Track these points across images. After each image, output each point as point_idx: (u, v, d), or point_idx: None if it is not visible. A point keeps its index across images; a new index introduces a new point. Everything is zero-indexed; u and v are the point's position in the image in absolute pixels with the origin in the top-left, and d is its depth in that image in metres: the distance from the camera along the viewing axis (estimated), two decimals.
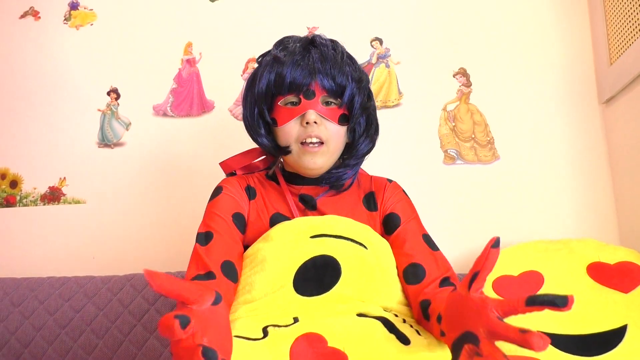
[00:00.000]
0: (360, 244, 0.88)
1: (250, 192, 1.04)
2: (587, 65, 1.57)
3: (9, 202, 1.80)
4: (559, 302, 0.53)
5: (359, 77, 1.01)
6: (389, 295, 0.87)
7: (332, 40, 1.03)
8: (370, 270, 0.86)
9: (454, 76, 1.63)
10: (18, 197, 1.80)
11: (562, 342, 1.08)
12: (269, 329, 0.73)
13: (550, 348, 1.07)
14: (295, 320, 0.75)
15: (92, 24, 1.88)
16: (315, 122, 0.96)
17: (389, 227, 1.01)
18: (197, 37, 1.80)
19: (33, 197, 1.79)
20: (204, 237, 0.92)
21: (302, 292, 0.79)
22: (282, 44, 1.03)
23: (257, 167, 1.15)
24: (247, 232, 0.99)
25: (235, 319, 0.78)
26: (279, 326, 0.74)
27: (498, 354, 0.57)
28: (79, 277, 1.55)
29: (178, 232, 1.66)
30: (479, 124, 1.59)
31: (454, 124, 1.60)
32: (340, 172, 1.02)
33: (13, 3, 1.94)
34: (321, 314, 0.77)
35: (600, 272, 1.19)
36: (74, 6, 1.90)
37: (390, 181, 1.10)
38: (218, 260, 0.87)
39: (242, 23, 1.78)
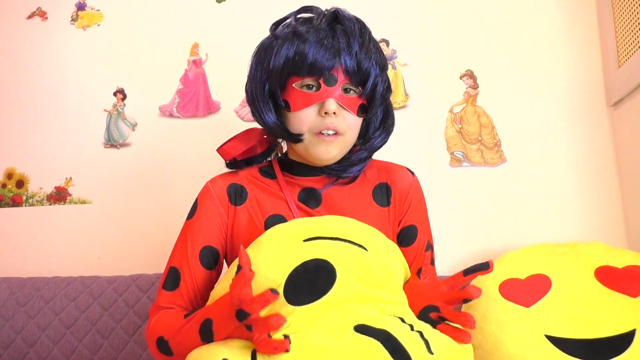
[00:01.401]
0: (360, 246, 0.80)
1: (238, 196, 0.96)
2: (595, 67, 1.56)
3: (15, 202, 1.81)
4: (484, 267, 0.74)
5: (384, 64, 0.93)
6: (395, 299, 0.80)
7: (357, 18, 0.93)
8: (370, 273, 0.77)
9: (460, 78, 1.62)
10: (24, 197, 1.80)
11: (570, 346, 1.07)
12: (257, 355, 0.66)
13: (559, 352, 1.07)
14: (286, 337, 0.68)
15: (99, 25, 1.88)
16: (334, 113, 0.88)
17: (405, 239, 0.97)
18: (203, 38, 1.80)
19: (39, 197, 1.79)
20: (172, 278, 0.92)
21: (294, 302, 0.71)
22: (303, 15, 0.94)
23: (256, 152, 1.04)
24: (238, 240, 0.94)
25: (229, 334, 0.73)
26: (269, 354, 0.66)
27: (460, 315, 0.72)
28: (85, 277, 1.56)
29: None
30: (486, 126, 1.59)
31: (460, 126, 1.60)
32: (350, 164, 0.95)
33: (20, 3, 1.95)
34: (314, 326, 0.70)
35: (608, 276, 1.18)
36: (81, 7, 1.90)
37: (413, 174, 1.03)
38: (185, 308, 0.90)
39: (248, 24, 1.78)
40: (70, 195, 1.77)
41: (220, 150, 1.02)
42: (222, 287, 0.81)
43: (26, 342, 1.44)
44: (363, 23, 0.93)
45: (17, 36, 1.93)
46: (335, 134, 0.90)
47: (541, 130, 1.56)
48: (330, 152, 0.90)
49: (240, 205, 0.95)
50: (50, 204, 1.78)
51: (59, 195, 1.78)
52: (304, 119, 0.90)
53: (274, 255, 0.76)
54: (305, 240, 0.78)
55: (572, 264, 1.24)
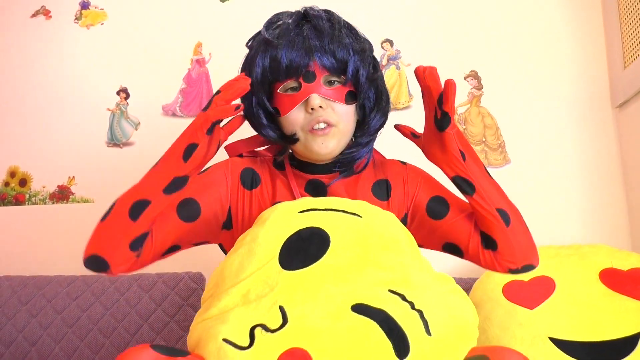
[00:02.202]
0: (354, 214, 0.81)
1: (252, 181, 0.96)
2: (601, 68, 1.56)
3: (18, 201, 1.81)
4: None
5: (361, 48, 0.92)
6: (392, 265, 0.76)
7: (326, 11, 0.95)
8: (365, 239, 0.77)
9: (465, 79, 1.62)
10: (27, 196, 1.80)
11: (574, 349, 1.07)
12: (256, 332, 0.66)
13: (562, 355, 1.06)
14: (283, 314, 0.67)
15: (102, 24, 1.88)
16: (320, 107, 0.88)
17: (437, 212, 0.96)
18: (206, 37, 1.80)
19: (42, 195, 1.79)
20: (175, 186, 0.85)
21: (287, 267, 0.73)
22: (273, 22, 0.95)
23: (264, 154, 1.06)
24: (245, 225, 0.92)
25: (229, 310, 0.72)
26: (266, 329, 0.66)
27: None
28: (87, 276, 1.55)
29: None
30: (490, 127, 1.58)
31: (464, 127, 1.59)
32: (353, 152, 0.95)
33: (24, 2, 1.95)
34: (308, 298, 0.69)
35: (613, 279, 1.17)
36: (84, 5, 1.90)
37: (404, 163, 1.04)
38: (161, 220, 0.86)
39: (252, 23, 1.76)
40: (72, 194, 1.77)
41: (228, 147, 1.03)
42: (226, 262, 0.80)
43: (28, 341, 1.44)
44: (332, 13, 0.95)
45: (21, 35, 1.93)
46: (328, 126, 0.90)
47: (546, 131, 1.55)
48: (327, 145, 0.91)
49: (254, 190, 0.96)
50: (53, 203, 1.78)
51: (62, 194, 1.78)
52: (294, 120, 0.91)
53: (271, 229, 0.78)
54: (300, 212, 0.80)
55: (577, 267, 1.23)
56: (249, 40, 0.98)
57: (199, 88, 1.77)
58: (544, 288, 1.19)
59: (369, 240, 0.78)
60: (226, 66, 1.77)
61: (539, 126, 1.56)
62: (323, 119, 0.89)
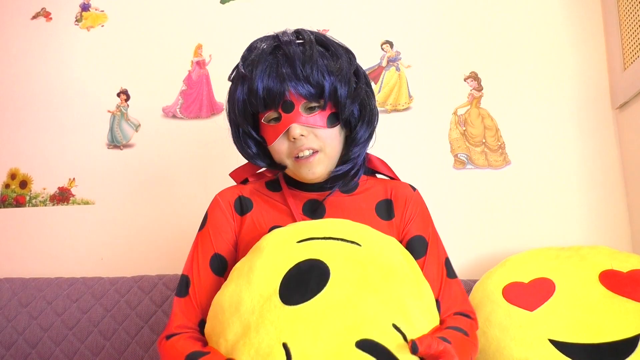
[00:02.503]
0: (353, 242, 0.80)
1: (244, 206, 0.98)
2: (601, 70, 1.55)
3: (18, 202, 1.81)
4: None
5: (338, 67, 0.90)
6: (393, 297, 0.76)
7: (297, 32, 0.94)
8: (364, 269, 0.76)
9: (465, 80, 1.62)
10: (27, 198, 1.81)
11: (574, 350, 1.06)
12: None
13: (562, 357, 1.06)
14: (287, 352, 0.67)
15: (102, 26, 1.89)
16: (302, 135, 0.89)
17: (415, 251, 0.93)
18: (207, 39, 1.80)
19: (42, 197, 1.80)
20: (184, 286, 0.92)
21: (288, 301, 0.72)
22: (250, 49, 0.95)
23: (265, 175, 1.08)
24: (242, 248, 0.95)
25: (233, 346, 0.72)
26: None
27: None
28: (87, 278, 1.56)
29: (186, 234, 1.65)
30: (490, 129, 1.58)
31: (464, 128, 1.59)
32: (345, 165, 0.94)
33: (25, 4, 1.95)
34: (312, 334, 0.68)
35: (613, 280, 1.17)
36: (85, 7, 1.91)
37: (414, 189, 1.02)
38: (196, 318, 0.89)
39: (252, 25, 1.78)
40: (73, 196, 1.78)
41: (232, 174, 1.08)
42: (223, 292, 0.81)
43: (28, 343, 1.44)
44: (303, 33, 0.94)
45: (22, 36, 1.94)
46: (313, 152, 0.91)
47: (546, 132, 1.55)
48: (314, 171, 0.92)
49: (246, 215, 0.97)
50: (54, 205, 1.78)
51: (62, 196, 1.78)
52: (278, 149, 0.92)
53: (269, 260, 0.78)
54: (298, 242, 0.79)
55: (577, 268, 1.23)
56: (231, 73, 0.99)
57: (199, 90, 1.77)
58: (543, 290, 1.19)
59: (368, 270, 0.77)
60: (226, 68, 1.76)
61: (539, 127, 1.56)
62: (306, 147, 0.90)
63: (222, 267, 0.94)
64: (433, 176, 1.58)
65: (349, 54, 0.95)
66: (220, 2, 1.81)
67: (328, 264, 0.75)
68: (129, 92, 1.82)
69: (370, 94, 0.98)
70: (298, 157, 0.91)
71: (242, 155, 1.01)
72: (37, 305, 1.49)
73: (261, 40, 0.95)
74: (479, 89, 1.60)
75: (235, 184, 1.08)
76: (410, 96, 1.63)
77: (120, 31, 1.87)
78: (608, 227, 1.48)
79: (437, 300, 0.88)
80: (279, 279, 0.75)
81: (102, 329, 1.43)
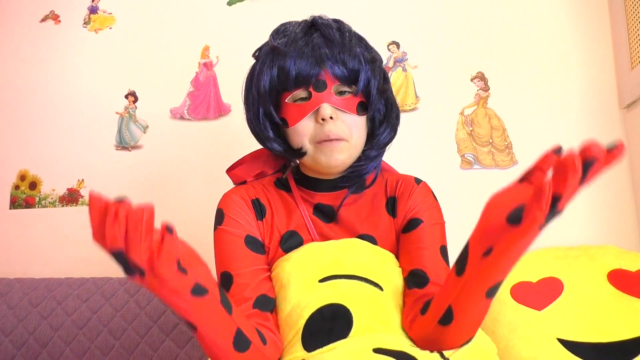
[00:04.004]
0: (376, 285, 0.79)
1: (259, 210, 0.93)
2: (608, 69, 1.55)
3: (28, 203, 1.82)
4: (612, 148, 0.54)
5: (372, 57, 0.90)
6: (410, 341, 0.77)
7: (335, 20, 0.92)
8: (387, 316, 0.77)
9: (471, 80, 1.62)
10: (37, 199, 1.82)
11: (582, 350, 1.07)
12: None
13: (571, 356, 1.06)
14: None
15: (111, 28, 1.90)
16: (331, 117, 0.84)
17: (406, 228, 0.91)
18: (214, 40, 1.81)
19: (52, 198, 1.81)
20: (222, 285, 0.84)
21: (311, 348, 0.72)
22: (280, 31, 0.91)
23: (267, 174, 1.02)
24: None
25: None
26: None
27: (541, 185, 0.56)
28: (97, 278, 1.57)
29: (195, 235, 1.66)
30: (497, 129, 1.58)
31: (471, 128, 1.59)
32: (361, 165, 0.91)
33: (34, 7, 1.97)
34: None
35: (621, 280, 1.17)
36: (93, 10, 1.92)
37: (419, 182, 0.97)
38: (248, 302, 0.81)
39: (259, 27, 1.78)
40: (82, 196, 1.79)
41: (231, 174, 1.01)
42: None
43: (39, 343, 1.45)
44: (341, 22, 0.92)
45: (30, 39, 1.95)
46: (338, 139, 0.86)
47: (553, 132, 1.55)
48: (337, 157, 0.86)
49: (261, 221, 0.92)
50: (63, 206, 1.80)
51: (71, 197, 1.80)
52: (302, 130, 0.87)
53: (292, 298, 0.78)
54: (320, 281, 0.78)
55: (585, 268, 1.23)
56: (256, 50, 0.95)
57: (207, 91, 1.78)
58: (552, 289, 1.19)
59: (390, 318, 0.78)
60: (233, 69, 1.78)
61: (546, 127, 1.55)
62: (334, 134, 0.85)
63: (259, 246, 0.89)
64: (440, 176, 1.58)
65: (379, 55, 0.95)
66: (227, 4, 1.82)
67: (351, 310, 0.74)
68: (137, 94, 1.83)
69: (394, 96, 0.96)
70: (323, 140, 0.85)
71: (257, 139, 0.94)
72: (48, 305, 1.50)
73: (292, 23, 0.93)
74: (486, 89, 1.61)
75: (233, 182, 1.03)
76: (417, 97, 1.64)
77: (128, 33, 1.88)
78: (616, 226, 1.47)
79: (422, 271, 0.84)
80: (302, 321, 0.75)
81: (112, 328, 1.44)
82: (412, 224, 0.91)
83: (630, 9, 1.46)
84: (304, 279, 0.79)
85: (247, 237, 0.88)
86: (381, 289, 0.80)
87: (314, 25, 0.90)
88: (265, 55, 0.90)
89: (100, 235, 0.57)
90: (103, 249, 0.57)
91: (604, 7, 1.59)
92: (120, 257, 0.57)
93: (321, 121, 0.85)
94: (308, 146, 0.88)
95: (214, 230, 0.90)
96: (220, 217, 0.91)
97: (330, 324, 0.73)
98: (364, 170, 0.92)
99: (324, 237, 0.91)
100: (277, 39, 0.89)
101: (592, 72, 1.56)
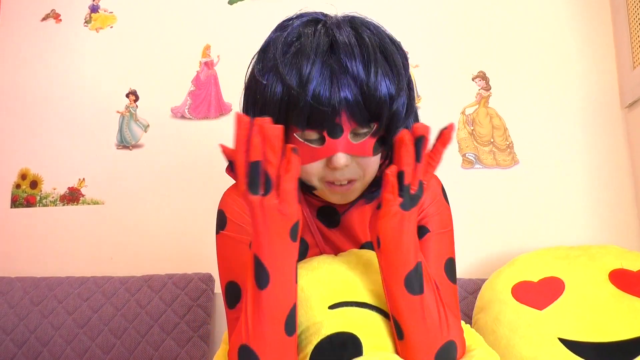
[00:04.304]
0: (385, 313, 0.77)
1: None
2: (610, 69, 1.55)
3: (29, 202, 1.83)
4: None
5: (398, 87, 0.73)
6: None
7: (356, 34, 0.73)
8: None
9: (473, 79, 1.62)
10: (38, 198, 1.82)
11: (583, 349, 1.06)
12: None
13: (572, 356, 1.06)
14: None
15: (112, 27, 1.90)
16: (346, 166, 0.74)
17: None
18: (215, 39, 1.81)
19: (53, 197, 1.81)
20: (230, 296, 0.78)
21: None
22: (289, 43, 0.73)
23: None
24: None
25: None
26: None
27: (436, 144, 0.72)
28: (98, 277, 1.57)
29: (196, 234, 1.67)
30: (498, 128, 1.58)
31: (472, 127, 1.59)
32: (375, 190, 0.82)
33: (35, 6, 1.97)
34: None
35: (623, 279, 1.17)
36: (94, 9, 1.92)
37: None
38: None
39: (260, 26, 1.77)
40: (83, 196, 1.79)
41: (232, 174, 0.90)
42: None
43: (40, 342, 1.46)
44: (362, 32, 0.74)
45: (31, 38, 1.95)
46: (351, 181, 0.77)
47: (554, 132, 1.55)
48: (347, 197, 0.79)
49: None
50: (64, 205, 1.80)
51: (72, 196, 1.80)
52: (310, 171, 0.76)
53: (302, 324, 0.76)
54: (330, 307, 0.76)
55: (586, 267, 1.23)
56: (259, 63, 0.78)
57: (208, 90, 1.78)
58: (553, 289, 1.19)
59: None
60: (234, 68, 1.78)
61: (548, 127, 1.55)
62: (345, 178, 0.76)
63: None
64: (441, 176, 1.57)
65: (403, 58, 0.77)
66: (228, 3, 1.82)
67: (361, 339, 0.73)
68: (138, 93, 1.83)
69: (415, 108, 0.83)
70: (334, 183, 0.77)
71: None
72: (49, 304, 1.50)
73: (306, 34, 0.73)
74: (487, 88, 1.60)
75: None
76: (418, 96, 1.64)
77: (129, 32, 1.88)
78: (617, 226, 1.47)
79: None
80: (311, 348, 0.73)
81: (113, 327, 1.44)
82: (417, 233, 0.81)
83: (632, 8, 1.46)
84: (314, 302, 0.76)
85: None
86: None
87: (332, 46, 0.72)
88: (273, 79, 0.72)
89: (244, 147, 0.62)
90: (240, 160, 0.63)
91: (605, 7, 1.58)
92: (256, 169, 0.62)
93: (332, 168, 0.75)
94: (316, 183, 0.79)
95: (216, 233, 0.84)
96: (222, 220, 0.84)
97: (339, 352, 0.72)
98: (377, 194, 0.82)
99: (328, 242, 0.88)
100: (287, 62, 0.72)
101: (594, 71, 1.56)
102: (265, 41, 0.78)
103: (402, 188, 0.67)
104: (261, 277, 0.67)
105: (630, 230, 1.46)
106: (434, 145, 0.72)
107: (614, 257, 1.24)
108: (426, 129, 0.69)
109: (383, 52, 0.74)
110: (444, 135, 0.72)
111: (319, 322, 0.74)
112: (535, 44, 1.60)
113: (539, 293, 1.19)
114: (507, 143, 1.57)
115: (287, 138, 0.74)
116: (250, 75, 0.81)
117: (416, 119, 0.81)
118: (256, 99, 0.77)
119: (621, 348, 1.06)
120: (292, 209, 0.66)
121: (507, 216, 1.53)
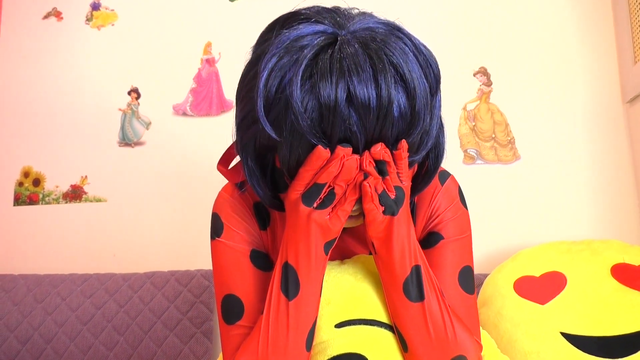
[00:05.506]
0: (391, 327, 0.75)
1: (261, 217, 0.78)
2: (611, 64, 1.55)
3: (31, 200, 1.83)
4: None
5: (415, 120, 0.61)
6: None
7: (363, 45, 0.62)
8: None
9: (474, 75, 1.62)
10: (41, 195, 1.83)
11: (585, 343, 1.07)
12: None
13: (574, 350, 1.06)
14: None
15: (113, 25, 1.90)
16: None
17: (424, 243, 0.78)
18: (216, 37, 1.81)
19: (55, 195, 1.82)
20: (228, 310, 0.73)
21: None
22: (309, 64, 0.60)
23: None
24: None
25: None
26: None
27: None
28: (100, 274, 1.57)
29: (197, 231, 1.67)
30: (500, 124, 1.58)
31: (474, 123, 1.59)
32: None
33: (36, 4, 1.97)
34: None
35: (625, 274, 1.17)
36: (95, 7, 1.92)
37: (444, 179, 0.81)
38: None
39: (261, 23, 1.77)
40: (85, 193, 1.79)
41: (227, 173, 0.80)
42: None
43: (43, 338, 1.46)
44: (375, 59, 0.61)
45: (33, 36, 1.96)
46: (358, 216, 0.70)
47: (556, 127, 1.55)
48: (354, 223, 0.71)
49: (264, 231, 0.79)
50: (66, 202, 1.80)
51: (75, 194, 1.80)
52: None
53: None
54: (337, 326, 0.74)
55: (588, 262, 1.23)
56: (261, 57, 0.66)
57: (209, 87, 1.78)
58: (555, 283, 1.19)
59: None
60: (236, 65, 1.78)
61: (549, 122, 1.55)
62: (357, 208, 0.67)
63: (268, 263, 0.76)
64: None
65: (429, 77, 0.67)
66: (229, 0, 1.82)
67: (368, 358, 0.71)
68: (140, 91, 1.83)
69: (441, 125, 0.71)
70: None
71: (251, 182, 0.69)
72: (52, 301, 1.51)
73: (315, 34, 0.63)
74: (489, 84, 1.60)
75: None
76: None
77: (130, 30, 1.88)
78: (619, 220, 1.47)
79: None
80: None
81: (116, 324, 1.45)
82: (430, 240, 0.78)
83: (633, 3, 1.46)
84: (320, 320, 0.74)
85: (253, 252, 0.75)
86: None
87: (349, 96, 0.58)
88: (281, 107, 0.60)
89: (314, 171, 0.61)
90: (303, 175, 0.62)
91: (606, 2, 1.58)
92: (319, 189, 0.62)
93: None
94: None
95: (211, 239, 0.78)
96: (217, 225, 0.77)
97: None
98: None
99: (337, 245, 0.80)
100: (291, 75, 0.60)
101: (595, 66, 1.56)
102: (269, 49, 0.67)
103: (380, 196, 0.63)
104: (292, 286, 0.67)
105: (633, 225, 1.47)
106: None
107: (616, 252, 1.24)
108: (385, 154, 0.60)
109: (399, 73, 0.64)
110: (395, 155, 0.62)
111: (325, 341, 0.72)
112: (536, 40, 1.60)
113: (541, 287, 1.19)
114: (509, 139, 1.57)
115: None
116: (239, 110, 0.72)
117: (440, 136, 0.72)
118: (251, 123, 0.67)
119: (623, 342, 1.06)
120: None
121: (508, 211, 1.53)
